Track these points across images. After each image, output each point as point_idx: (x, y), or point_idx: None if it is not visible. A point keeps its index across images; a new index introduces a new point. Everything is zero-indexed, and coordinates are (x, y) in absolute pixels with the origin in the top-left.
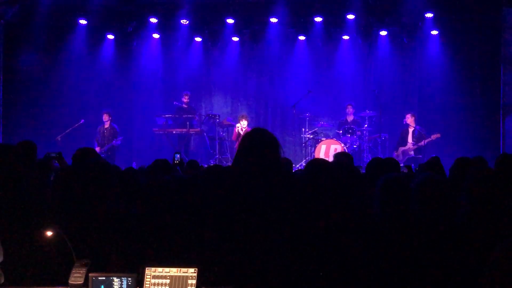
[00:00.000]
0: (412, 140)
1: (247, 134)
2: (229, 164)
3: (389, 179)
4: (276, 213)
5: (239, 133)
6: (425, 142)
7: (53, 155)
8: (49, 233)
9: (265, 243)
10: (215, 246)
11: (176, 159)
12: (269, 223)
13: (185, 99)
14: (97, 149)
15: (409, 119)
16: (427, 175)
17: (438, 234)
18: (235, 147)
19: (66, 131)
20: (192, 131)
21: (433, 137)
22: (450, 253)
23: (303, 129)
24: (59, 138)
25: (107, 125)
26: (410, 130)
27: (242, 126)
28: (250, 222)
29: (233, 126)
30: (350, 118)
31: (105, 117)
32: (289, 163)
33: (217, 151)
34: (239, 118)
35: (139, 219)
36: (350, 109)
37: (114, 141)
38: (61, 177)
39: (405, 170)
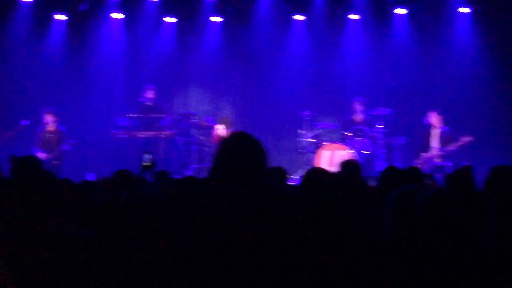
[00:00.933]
0: (439, 145)
1: (224, 141)
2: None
3: (402, 193)
4: (263, 241)
5: (219, 136)
6: (455, 147)
7: None
8: None
9: (249, 279)
10: (186, 280)
11: (145, 160)
12: (255, 254)
13: (149, 94)
14: (42, 155)
15: (434, 119)
16: (436, 190)
17: (453, 264)
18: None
19: (5, 135)
20: (162, 134)
21: (464, 140)
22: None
23: (301, 131)
24: None
25: (51, 128)
26: (435, 132)
27: (221, 129)
28: (230, 252)
29: (213, 128)
30: (359, 117)
31: (48, 118)
32: (282, 174)
33: (194, 159)
34: (219, 121)
35: (93, 245)
36: (358, 107)
37: (64, 146)
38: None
39: (430, 182)
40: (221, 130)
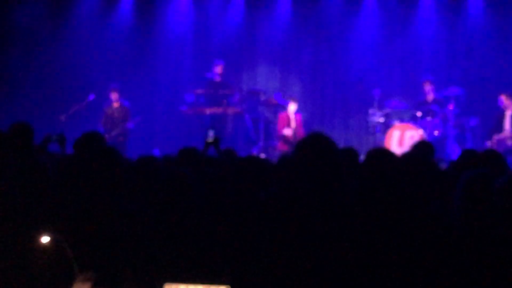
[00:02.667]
0: (511, 127)
1: (300, 143)
2: (276, 153)
3: (475, 176)
4: (331, 226)
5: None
6: None
7: (54, 137)
8: (44, 239)
9: (314, 262)
10: (252, 260)
11: (209, 136)
12: (320, 234)
13: (218, 70)
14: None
15: (506, 101)
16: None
17: None
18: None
19: (72, 110)
20: (229, 111)
21: None
22: None
23: (371, 111)
24: (63, 118)
25: (116, 105)
26: (508, 113)
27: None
28: (297, 231)
29: (282, 106)
30: (430, 97)
31: (113, 96)
32: (354, 154)
33: (261, 137)
34: (288, 101)
35: (157, 223)
36: (428, 86)
37: (128, 123)
38: (61, 169)
39: None
40: (291, 110)
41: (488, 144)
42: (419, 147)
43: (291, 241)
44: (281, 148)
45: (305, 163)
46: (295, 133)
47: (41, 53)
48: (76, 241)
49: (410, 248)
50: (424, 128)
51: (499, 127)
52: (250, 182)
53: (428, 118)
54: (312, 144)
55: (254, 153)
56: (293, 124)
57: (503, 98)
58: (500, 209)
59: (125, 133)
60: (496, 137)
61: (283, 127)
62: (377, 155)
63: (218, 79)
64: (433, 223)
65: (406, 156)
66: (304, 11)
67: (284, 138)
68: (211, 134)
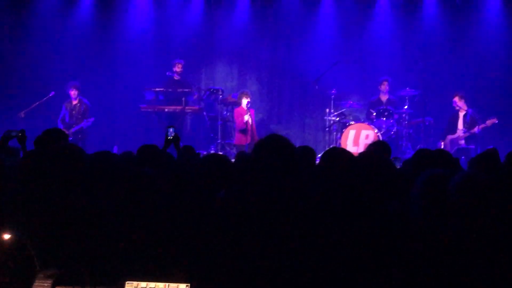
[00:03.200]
0: (463, 127)
1: (258, 143)
2: (234, 151)
3: (433, 176)
4: (288, 219)
5: (247, 125)
6: (479, 129)
7: (14, 133)
8: (5, 236)
9: (273, 257)
10: (213, 257)
11: (169, 134)
12: (280, 232)
13: (178, 68)
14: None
15: (459, 102)
16: (468, 174)
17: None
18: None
19: (32, 106)
20: (188, 109)
21: (489, 122)
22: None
23: (328, 110)
24: (22, 114)
25: (75, 101)
26: (461, 114)
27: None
28: (256, 230)
29: (237, 105)
30: (384, 97)
31: (73, 93)
32: (311, 153)
33: (219, 135)
34: (241, 96)
35: (118, 219)
36: (385, 86)
37: (83, 122)
38: (23, 165)
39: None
40: (244, 104)
41: (441, 144)
42: (375, 146)
43: (250, 240)
44: (238, 142)
45: (264, 163)
46: (251, 126)
47: (0, 50)
48: (37, 238)
49: (368, 246)
50: (379, 128)
51: (453, 128)
52: (210, 179)
53: (383, 118)
54: (270, 144)
55: (212, 150)
56: (247, 117)
57: (456, 99)
58: (455, 207)
59: (83, 130)
60: (449, 137)
61: (240, 120)
62: (333, 154)
63: (177, 77)
64: (390, 221)
65: (363, 155)
66: (262, 11)
67: (243, 129)
68: (171, 131)
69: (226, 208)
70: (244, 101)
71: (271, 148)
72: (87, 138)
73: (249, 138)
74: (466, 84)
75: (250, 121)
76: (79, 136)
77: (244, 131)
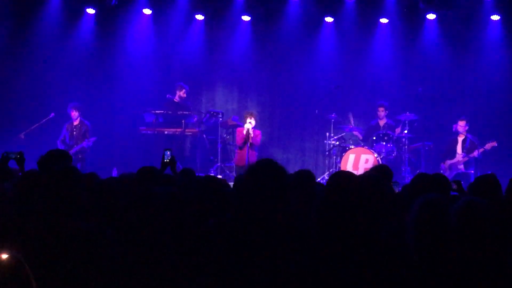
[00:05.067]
0: (462, 151)
1: (250, 168)
2: (234, 174)
3: (428, 202)
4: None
5: (248, 135)
6: (479, 153)
7: (13, 155)
8: (2, 256)
9: (272, 277)
10: (212, 278)
11: (166, 157)
12: (278, 253)
13: (182, 93)
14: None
15: (461, 127)
16: (468, 200)
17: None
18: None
19: (32, 127)
20: (188, 131)
21: (488, 146)
22: None
23: (328, 134)
24: (22, 135)
25: (76, 122)
26: (460, 139)
27: (251, 125)
28: (254, 251)
29: (240, 126)
30: (382, 122)
31: (74, 114)
32: (310, 177)
33: (219, 158)
34: (246, 116)
35: (118, 241)
36: (381, 112)
37: (85, 142)
38: (23, 185)
39: (453, 186)
40: (247, 125)
41: (443, 167)
42: (377, 171)
43: (242, 264)
44: (237, 162)
45: (254, 187)
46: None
47: (0, 71)
48: (36, 260)
49: (365, 269)
50: (379, 152)
51: (451, 152)
52: (208, 202)
53: (383, 143)
54: (261, 170)
55: (212, 173)
56: (248, 125)
57: (463, 123)
58: (456, 233)
59: (84, 150)
60: (448, 162)
61: (240, 138)
62: (340, 178)
63: (177, 99)
64: (387, 245)
65: (364, 178)
66: (263, 35)
67: (241, 144)
68: (167, 154)
69: (217, 234)
70: (247, 121)
71: (261, 173)
72: (87, 159)
73: (245, 157)
74: (466, 109)
75: (250, 131)
76: (79, 156)
77: (242, 147)
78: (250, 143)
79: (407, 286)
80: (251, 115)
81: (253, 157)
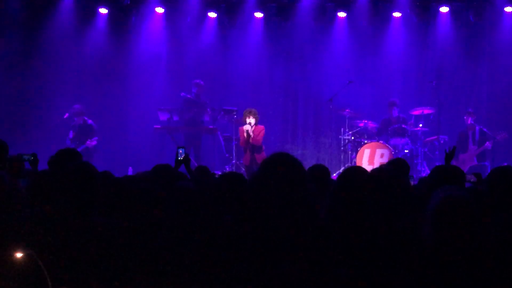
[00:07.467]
0: (474, 144)
1: (264, 162)
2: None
3: (450, 197)
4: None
5: (248, 136)
6: (490, 144)
7: (26, 157)
8: (17, 255)
9: (285, 277)
10: (225, 276)
11: (180, 155)
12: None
13: (197, 89)
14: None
15: (470, 118)
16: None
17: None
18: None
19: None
20: (202, 129)
21: (499, 137)
22: None
23: (342, 129)
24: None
25: (80, 122)
26: (470, 132)
27: (251, 125)
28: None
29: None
30: (399, 116)
31: (77, 115)
32: (325, 172)
33: (234, 155)
34: (245, 114)
35: (131, 238)
36: (394, 108)
37: (88, 142)
38: (36, 184)
39: (472, 179)
40: (246, 126)
41: (454, 162)
42: (394, 164)
43: (259, 259)
44: (245, 163)
45: (269, 181)
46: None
47: (14, 73)
48: (50, 257)
49: (383, 263)
50: (394, 146)
51: (464, 146)
52: (225, 198)
53: (398, 137)
54: (276, 162)
55: (228, 170)
56: (247, 127)
57: (467, 115)
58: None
59: (88, 150)
60: (461, 156)
61: (242, 139)
62: (353, 172)
63: (192, 97)
64: (404, 239)
65: (380, 172)
66: (276, 31)
67: (244, 146)
68: (181, 152)
69: (234, 230)
70: (247, 121)
71: (276, 166)
72: (93, 158)
73: (249, 158)
74: (480, 101)
75: (250, 132)
76: (84, 156)
77: (245, 148)
78: (252, 145)
79: (423, 278)
80: (250, 113)
81: (259, 157)
